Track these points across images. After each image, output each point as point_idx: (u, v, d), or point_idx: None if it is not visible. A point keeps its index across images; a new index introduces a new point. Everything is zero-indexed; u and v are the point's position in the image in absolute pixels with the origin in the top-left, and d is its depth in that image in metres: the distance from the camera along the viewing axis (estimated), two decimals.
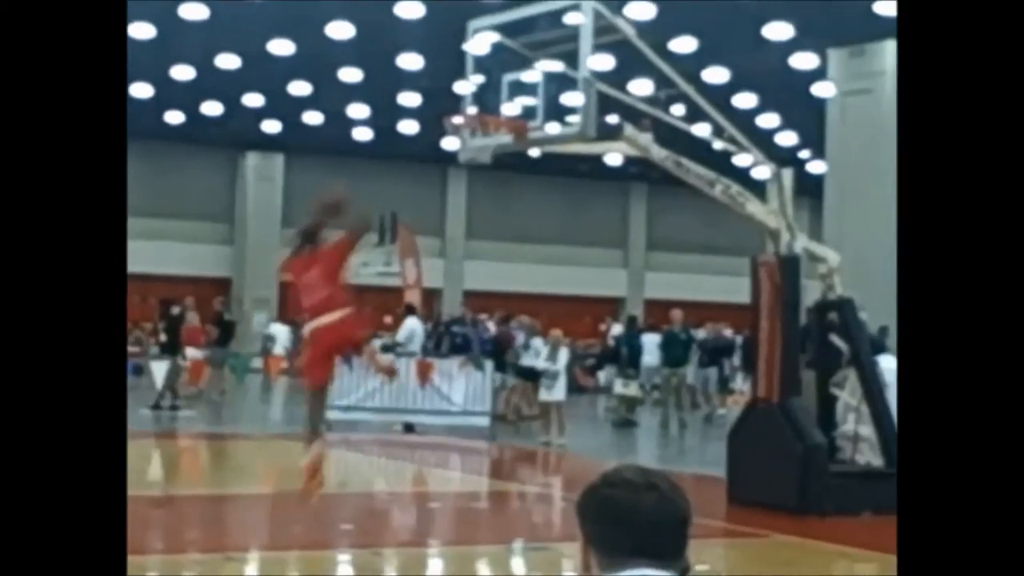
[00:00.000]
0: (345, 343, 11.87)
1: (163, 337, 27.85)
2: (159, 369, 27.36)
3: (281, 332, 40.93)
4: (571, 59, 14.80)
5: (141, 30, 21.84)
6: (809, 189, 31.88)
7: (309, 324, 11.47)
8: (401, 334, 26.34)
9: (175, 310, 32.84)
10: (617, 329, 32.57)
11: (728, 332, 36.06)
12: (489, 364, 24.35)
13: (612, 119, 15.28)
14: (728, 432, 15.71)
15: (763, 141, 17.73)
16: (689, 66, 17.40)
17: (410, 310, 27.49)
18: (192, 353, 29.92)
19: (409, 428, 23.47)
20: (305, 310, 11.45)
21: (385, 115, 32.73)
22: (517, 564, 12.36)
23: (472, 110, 15.91)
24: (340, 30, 23.10)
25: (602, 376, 32.05)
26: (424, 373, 23.51)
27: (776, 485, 14.06)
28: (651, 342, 29.39)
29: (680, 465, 18.15)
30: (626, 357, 28.55)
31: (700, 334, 31.62)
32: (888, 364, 15.01)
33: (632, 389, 27.82)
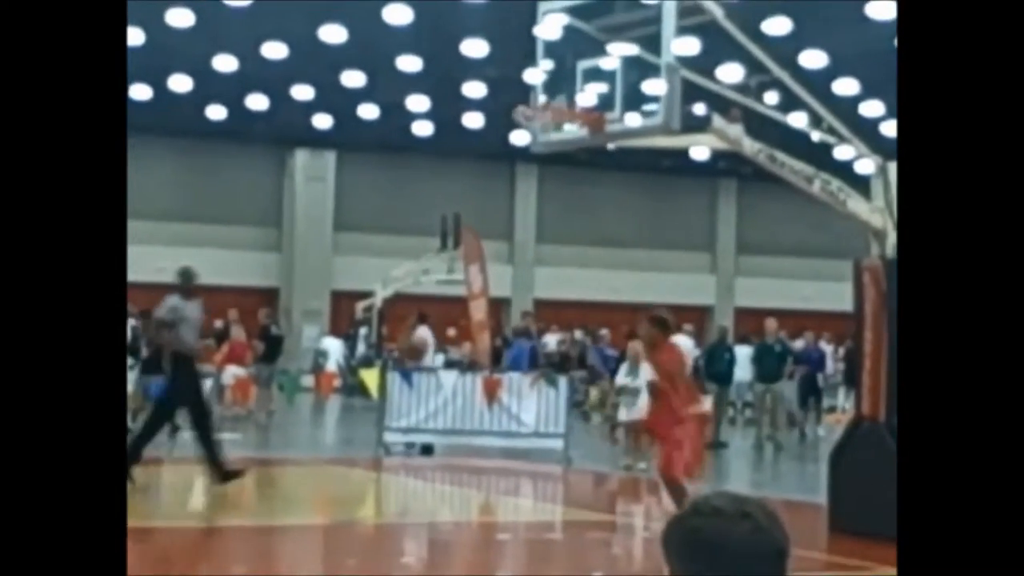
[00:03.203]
0: None
1: (144, 352, 24.84)
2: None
3: (334, 346, 41.10)
4: (652, 43, 14.78)
5: (180, 17, 22.03)
6: None
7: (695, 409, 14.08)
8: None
9: (219, 324, 33.05)
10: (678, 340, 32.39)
11: (824, 343, 35.95)
12: (563, 381, 24.33)
13: (698, 109, 15.24)
14: (829, 454, 15.61)
15: (867, 131, 17.62)
16: (784, 49, 17.31)
17: (422, 319, 27.64)
18: (237, 371, 30.16)
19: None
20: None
21: (447, 107, 32.75)
22: None
23: (543, 101, 15.93)
24: (398, 14, 23.17)
25: None
26: (491, 391, 23.53)
27: (883, 513, 13.88)
28: (743, 355, 29.25)
29: (776, 491, 18.08)
30: (703, 371, 28.37)
31: (799, 344, 31.48)
32: None
33: (705, 406, 27.69)
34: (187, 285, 17.87)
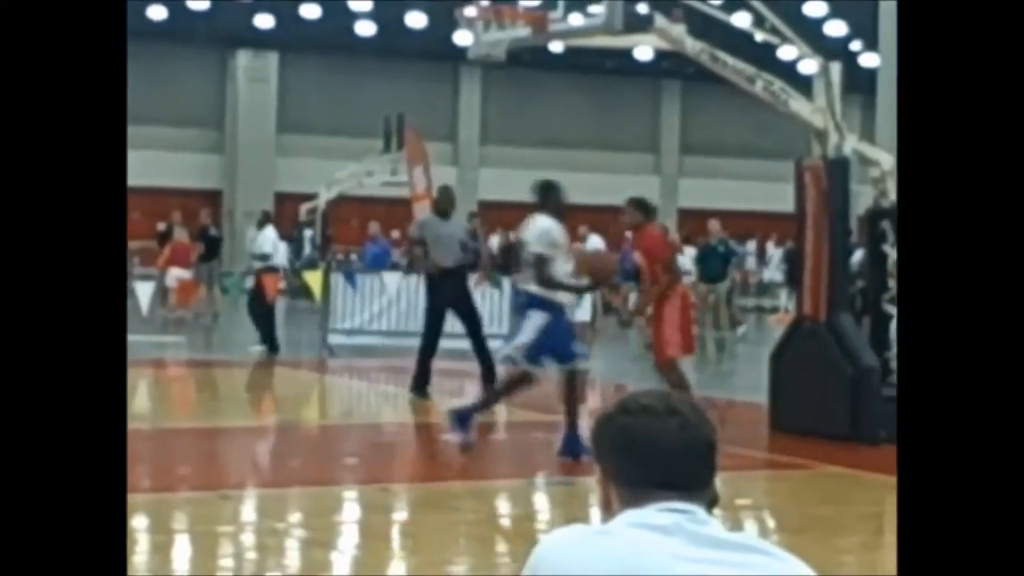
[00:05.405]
0: None
1: None
2: (144, 290, 27.48)
3: (279, 248, 40.90)
4: None
5: None
6: (860, 85, 31.73)
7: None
8: (266, 246, 26.41)
9: (161, 226, 32.88)
10: (595, 241, 32.14)
11: (773, 245, 36.11)
12: (507, 282, 24.35)
13: (641, 9, 15.18)
14: (770, 354, 15.71)
15: (809, 32, 17.66)
16: None
17: (267, 218, 27.66)
18: (180, 273, 30.08)
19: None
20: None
21: (390, 7, 32.60)
22: (539, 500, 12.42)
23: (485, 0, 15.81)
24: None
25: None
26: None
27: (824, 411, 14.07)
28: (686, 256, 29.39)
29: (718, 390, 18.19)
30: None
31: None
32: None
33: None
34: (443, 205, 17.94)
